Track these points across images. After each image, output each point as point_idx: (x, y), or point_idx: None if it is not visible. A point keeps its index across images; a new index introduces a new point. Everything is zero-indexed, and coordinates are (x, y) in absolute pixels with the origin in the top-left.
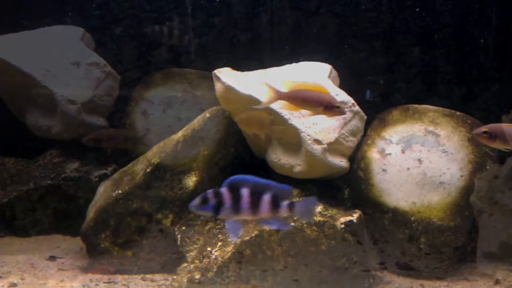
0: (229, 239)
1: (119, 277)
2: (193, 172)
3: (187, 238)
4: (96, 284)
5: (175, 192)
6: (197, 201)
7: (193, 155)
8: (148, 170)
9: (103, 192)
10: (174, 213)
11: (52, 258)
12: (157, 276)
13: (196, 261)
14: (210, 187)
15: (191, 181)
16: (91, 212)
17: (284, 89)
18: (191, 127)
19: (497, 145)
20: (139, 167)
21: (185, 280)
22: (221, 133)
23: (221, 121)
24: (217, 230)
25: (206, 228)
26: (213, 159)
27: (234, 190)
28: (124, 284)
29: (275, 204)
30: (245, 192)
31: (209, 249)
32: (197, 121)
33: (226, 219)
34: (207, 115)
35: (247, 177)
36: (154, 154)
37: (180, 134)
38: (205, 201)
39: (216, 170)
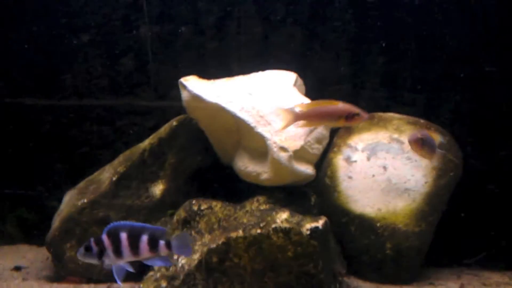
0: (195, 247)
1: (85, 286)
2: (160, 181)
3: None
4: None
5: (141, 200)
6: (81, 249)
7: (160, 164)
8: (114, 178)
9: (68, 201)
10: (141, 221)
11: (17, 268)
12: (124, 285)
13: (163, 269)
14: (177, 195)
15: (158, 189)
16: (56, 221)
17: (299, 109)
18: (158, 136)
19: (423, 154)
20: (105, 175)
21: None
22: (188, 141)
23: (188, 129)
24: None
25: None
26: (180, 167)
27: (114, 236)
28: None
29: (153, 244)
30: (123, 236)
31: (175, 257)
32: (164, 130)
33: (111, 263)
34: (174, 123)
35: (124, 222)
36: (120, 163)
37: (147, 142)
38: (88, 249)
39: (183, 178)
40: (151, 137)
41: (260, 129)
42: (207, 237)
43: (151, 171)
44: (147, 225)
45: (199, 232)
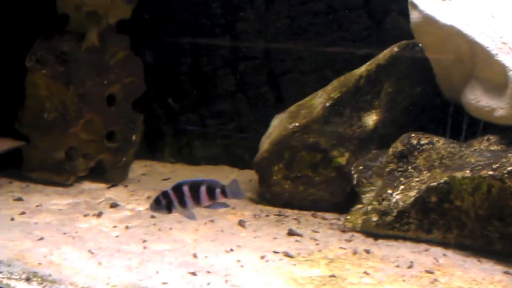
0: (412, 183)
1: (289, 211)
2: (374, 110)
3: (364, 179)
4: (267, 215)
5: (353, 129)
6: (153, 203)
7: (376, 92)
8: (327, 104)
9: (278, 124)
10: (351, 151)
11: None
12: (328, 215)
13: (374, 203)
14: (390, 128)
15: (371, 119)
16: (265, 144)
17: None
18: (376, 62)
19: None
20: (318, 100)
21: (359, 221)
22: (408, 70)
23: (409, 57)
24: (399, 173)
25: (387, 169)
26: (396, 97)
27: (178, 190)
28: (295, 219)
29: (211, 193)
30: (185, 189)
31: (389, 191)
32: (383, 56)
33: (179, 213)
34: (395, 49)
35: (186, 180)
36: (334, 88)
37: (363, 68)
38: (158, 202)
39: (399, 110)
40: (368, 63)
41: (502, 57)
42: (425, 174)
43: (366, 100)
44: (206, 178)
45: (416, 168)
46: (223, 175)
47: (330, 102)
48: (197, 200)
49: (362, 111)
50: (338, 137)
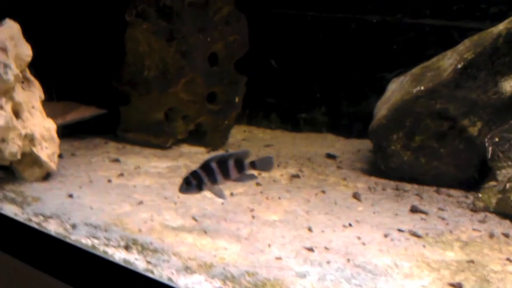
0: None
1: (408, 185)
2: None
3: (501, 152)
4: (383, 189)
5: (488, 96)
6: (183, 184)
7: None
8: (459, 66)
9: (398, 89)
10: (484, 121)
11: (330, 156)
12: (454, 192)
13: None
14: None
15: (509, 85)
16: (382, 109)
17: None
18: None
19: None
20: (447, 62)
21: (493, 200)
22: None
23: None
24: None
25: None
26: None
27: (207, 167)
28: (417, 194)
29: (239, 166)
30: (214, 165)
31: None
32: None
33: (209, 190)
34: None
35: (213, 156)
36: (467, 48)
37: (502, 26)
38: (188, 183)
39: None
40: (508, 20)
41: None
42: None
43: (504, 62)
44: (233, 152)
45: None
46: (327, 144)
47: (462, 63)
48: (226, 175)
49: (499, 75)
50: (471, 103)
